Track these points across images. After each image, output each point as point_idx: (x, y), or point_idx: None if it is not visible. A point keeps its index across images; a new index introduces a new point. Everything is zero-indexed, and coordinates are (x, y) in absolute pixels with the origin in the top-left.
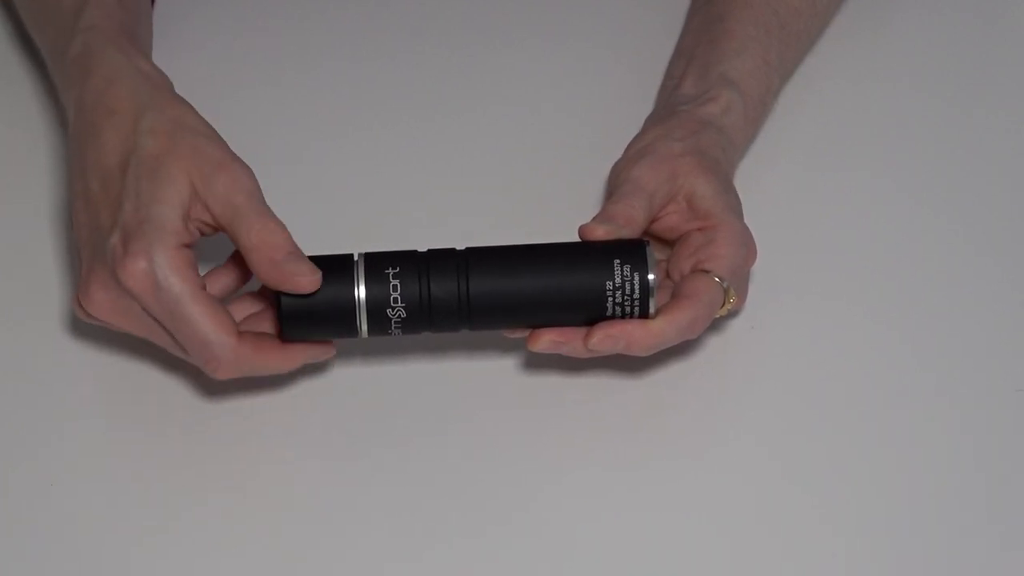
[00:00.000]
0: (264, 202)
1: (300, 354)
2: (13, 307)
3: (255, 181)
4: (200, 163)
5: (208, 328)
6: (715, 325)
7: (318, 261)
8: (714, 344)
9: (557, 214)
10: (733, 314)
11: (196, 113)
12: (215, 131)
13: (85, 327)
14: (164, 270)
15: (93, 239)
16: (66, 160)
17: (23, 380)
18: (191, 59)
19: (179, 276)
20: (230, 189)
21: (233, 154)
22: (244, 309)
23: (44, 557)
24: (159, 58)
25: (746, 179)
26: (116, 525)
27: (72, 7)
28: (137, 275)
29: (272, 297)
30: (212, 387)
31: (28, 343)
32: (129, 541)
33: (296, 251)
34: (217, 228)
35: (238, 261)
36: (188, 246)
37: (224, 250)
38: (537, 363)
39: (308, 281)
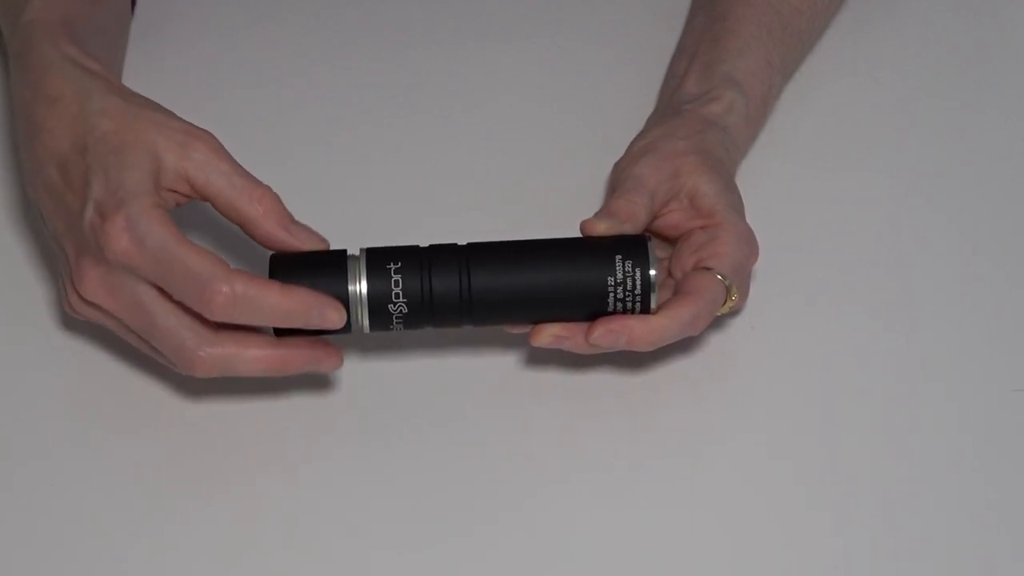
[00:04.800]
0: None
1: (302, 295)
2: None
3: (223, 146)
4: (167, 134)
5: (199, 261)
6: (716, 323)
7: (319, 256)
8: (715, 342)
9: (558, 212)
10: (735, 312)
11: (137, 92)
12: (162, 105)
13: (73, 326)
14: (143, 222)
15: (70, 225)
16: (18, 162)
17: (10, 380)
18: (188, 57)
19: (160, 225)
20: (211, 156)
21: (192, 123)
22: None
23: (39, 557)
24: (154, 56)
25: (747, 178)
26: (106, 527)
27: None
28: (119, 236)
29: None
30: (202, 388)
31: (15, 343)
32: (119, 542)
33: (291, 216)
34: (193, 197)
35: None
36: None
37: (220, 239)
38: (539, 359)
39: (321, 241)
